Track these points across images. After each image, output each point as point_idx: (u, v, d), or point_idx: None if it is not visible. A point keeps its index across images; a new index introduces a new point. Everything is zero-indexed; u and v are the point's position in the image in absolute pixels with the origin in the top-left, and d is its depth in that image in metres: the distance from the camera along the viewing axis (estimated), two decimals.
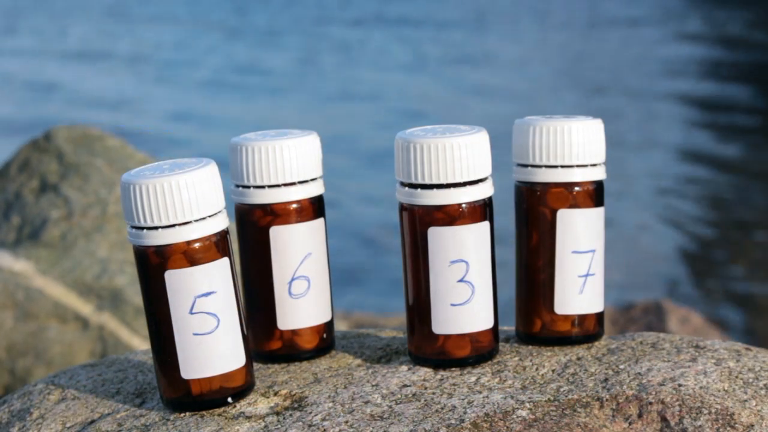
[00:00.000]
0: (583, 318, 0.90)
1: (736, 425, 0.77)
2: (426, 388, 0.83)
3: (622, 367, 0.85)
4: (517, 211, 0.90)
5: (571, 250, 0.88)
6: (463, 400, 0.80)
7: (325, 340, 0.92)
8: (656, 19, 9.21)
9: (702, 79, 6.90)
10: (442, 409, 0.79)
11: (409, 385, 0.83)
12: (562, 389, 0.81)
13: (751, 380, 0.82)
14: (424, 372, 0.86)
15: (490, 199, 0.84)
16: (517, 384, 0.83)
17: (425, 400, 0.80)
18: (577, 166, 0.87)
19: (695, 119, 6.00)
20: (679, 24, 8.94)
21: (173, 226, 0.78)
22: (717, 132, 5.76)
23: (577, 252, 0.88)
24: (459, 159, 0.81)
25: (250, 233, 0.88)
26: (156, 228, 0.78)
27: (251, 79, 7.23)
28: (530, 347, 0.90)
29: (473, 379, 0.84)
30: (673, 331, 2.68)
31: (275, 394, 0.84)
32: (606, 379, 0.83)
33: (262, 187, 0.87)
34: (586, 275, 0.88)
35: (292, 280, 0.88)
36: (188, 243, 0.78)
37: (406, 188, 0.83)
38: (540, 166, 0.88)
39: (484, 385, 0.83)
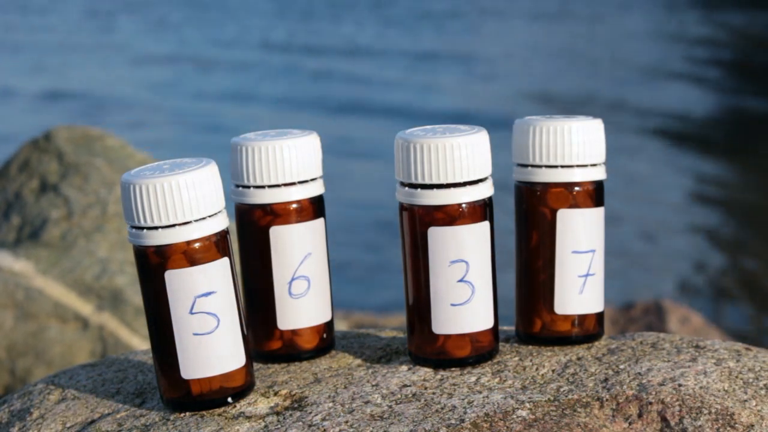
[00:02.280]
0: (583, 318, 0.90)
1: (736, 425, 0.77)
2: (426, 388, 0.83)
3: (622, 367, 0.85)
4: (517, 211, 0.90)
5: (571, 250, 0.88)
6: (463, 400, 0.80)
7: (325, 340, 0.92)
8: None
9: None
10: (442, 409, 0.79)
11: (409, 385, 0.83)
12: (562, 389, 0.81)
13: (751, 380, 0.82)
14: (424, 372, 0.86)
15: (490, 199, 0.84)
16: (517, 384, 0.83)
17: (425, 400, 0.80)
18: (577, 166, 0.87)
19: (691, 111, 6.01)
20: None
21: (173, 226, 0.78)
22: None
23: (577, 252, 0.88)
24: (459, 159, 0.81)
25: (250, 233, 0.88)
26: (156, 228, 0.78)
27: None
28: (530, 347, 0.90)
29: (473, 379, 0.84)
30: (673, 331, 2.68)
31: (275, 394, 0.84)
32: (606, 379, 0.83)
33: (262, 187, 0.87)
34: (586, 275, 0.88)
35: (292, 280, 0.88)
36: (188, 243, 0.78)
37: (406, 188, 0.83)
38: (540, 166, 0.88)
39: (484, 385, 0.83)
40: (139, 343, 2.10)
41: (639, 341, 0.90)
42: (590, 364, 0.86)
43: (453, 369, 0.86)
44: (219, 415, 0.81)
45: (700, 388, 0.80)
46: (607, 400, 0.80)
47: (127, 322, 2.11)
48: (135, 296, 2.13)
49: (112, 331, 2.09)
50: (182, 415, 0.81)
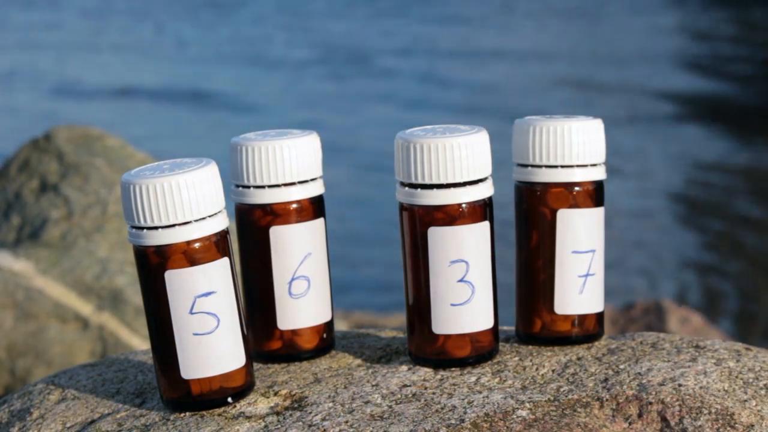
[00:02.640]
0: (583, 318, 0.90)
1: (736, 425, 0.77)
2: (426, 388, 0.83)
3: (622, 367, 0.85)
4: (517, 211, 0.90)
5: (571, 250, 0.88)
6: (463, 400, 0.80)
7: (325, 340, 0.92)
8: None
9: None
10: (442, 409, 0.79)
11: (409, 385, 0.83)
12: (562, 389, 0.81)
13: (751, 380, 0.82)
14: (424, 372, 0.86)
15: (490, 199, 0.84)
16: (517, 384, 0.83)
17: (425, 400, 0.80)
18: (577, 166, 0.87)
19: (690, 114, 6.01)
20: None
21: (173, 226, 0.78)
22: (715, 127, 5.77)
23: (577, 252, 0.88)
24: (459, 159, 0.81)
25: (250, 233, 0.88)
26: (156, 228, 0.78)
27: None
28: (530, 347, 0.90)
29: (473, 379, 0.84)
30: (673, 331, 2.68)
31: (275, 394, 0.84)
32: (606, 379, 0.83)
33: (262, 187, 0.87)
34: (586, 275, 0.88)
35: (292, 280, 0.88)
36: (188, 243, 0.78)
37: (406, 188, 0.83)
38: (540, 166, 0.88)
39: (484, 385, 0.83)
40: (139, 343, 2.10)
41: (639, 341, 0.90)
42: (590, 364, 0.86)
43: (453, 369, 0.86)
44: (219, 415, 0.81)
45: (700, 388, 0.80)
46: (607, 400, 0.80)
47: (127, 322, 2.11)
48: (135, 296, 2.13)
49: (112, 331, 2.09)
50: (182, 415, 0.81)
